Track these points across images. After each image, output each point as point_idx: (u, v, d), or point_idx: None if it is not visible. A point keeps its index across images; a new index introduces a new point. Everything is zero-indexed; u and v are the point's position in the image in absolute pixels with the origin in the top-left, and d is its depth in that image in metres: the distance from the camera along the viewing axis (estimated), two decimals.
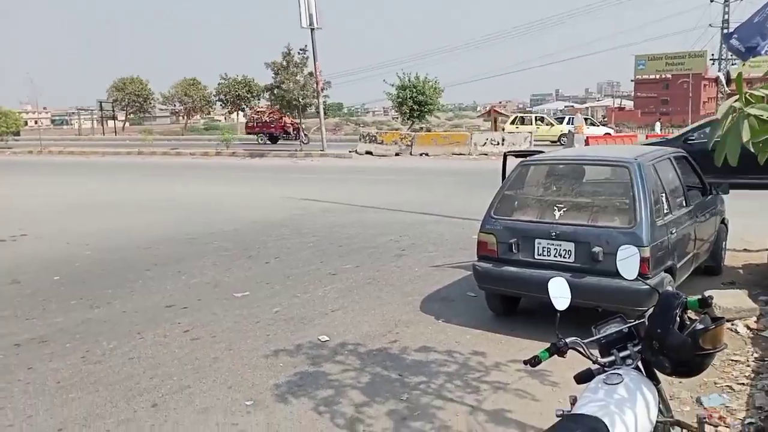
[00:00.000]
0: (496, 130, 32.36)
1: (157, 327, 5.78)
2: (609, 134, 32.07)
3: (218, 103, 55.22)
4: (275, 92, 29.84)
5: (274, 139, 35.71)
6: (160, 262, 8.36)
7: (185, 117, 61.02)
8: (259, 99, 48.95)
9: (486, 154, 24.60)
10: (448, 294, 6.52)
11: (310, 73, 28.92)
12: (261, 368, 4.76)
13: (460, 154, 25.65)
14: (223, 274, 7.62)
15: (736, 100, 2.27)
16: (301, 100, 29.22)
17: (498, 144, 25.35)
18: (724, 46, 45.64)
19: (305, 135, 33.97)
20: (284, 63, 29.08)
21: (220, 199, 14.46)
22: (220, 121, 69.31)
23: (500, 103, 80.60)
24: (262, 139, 35.72)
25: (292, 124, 35.20)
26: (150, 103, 63.36)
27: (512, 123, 34.54)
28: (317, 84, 28.22)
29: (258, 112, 39.24)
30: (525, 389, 4.25)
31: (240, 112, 54.20)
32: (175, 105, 60.09)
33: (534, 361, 2.42)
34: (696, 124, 16.07)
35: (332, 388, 4.36)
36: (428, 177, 17.88)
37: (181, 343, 5.35)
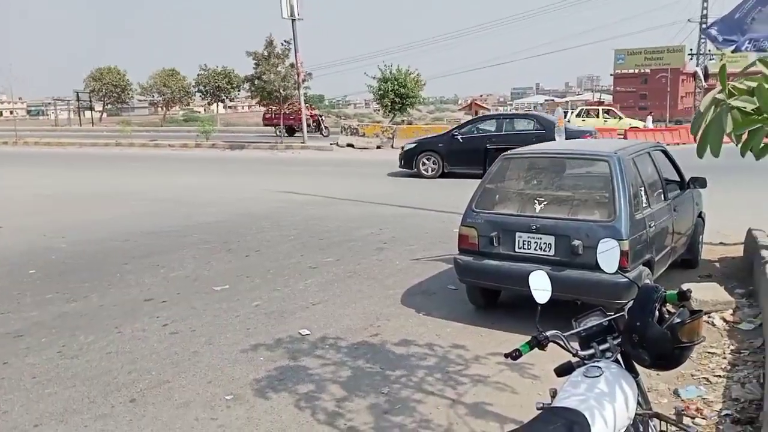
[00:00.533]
0: None
1: (135, 321, 5.71)
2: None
3: (198, 94, 54.58)
4: (255, 83, 29.50)
5: (291, 131, 34.13)
6: (139, 254, 8.26)
7: (164, 108, 60.24)
8: (239, 90, 48.41)
9: None
10: (429, 287, 6.52)
11: (292, 65, 28.68)
12: (241, 362, 4.73)
13: None
14: (202, 268, 7.54)
15: (719, 92, 2.27)
16: (282, 91, 28.98)
17: None
18: (702, 39, 46.16)
19: (326, 127, 33.15)
20: (266, 53, 28.78)
21: (200, 192, 14.31)
22: (199, 112, 68.47)
23: (481, 96, 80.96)
24: (280, 132, 34.32)
25: (312, 116, 34.40)
26: (128, 94, 62.46)
27: (578, 116, 33.88)
28: (298, 75, 28.02)
29: (277, 103, 38.37)
30: (505, 382, 4.27)
31: (220, 103, 53.61)
32: (153, 96, 59.29)
33: (515, 354, 2.43)
34: (464, 122, 17.57)
35: (313, 382, 4.34)
36: None
37: (159, 337, 5.29)
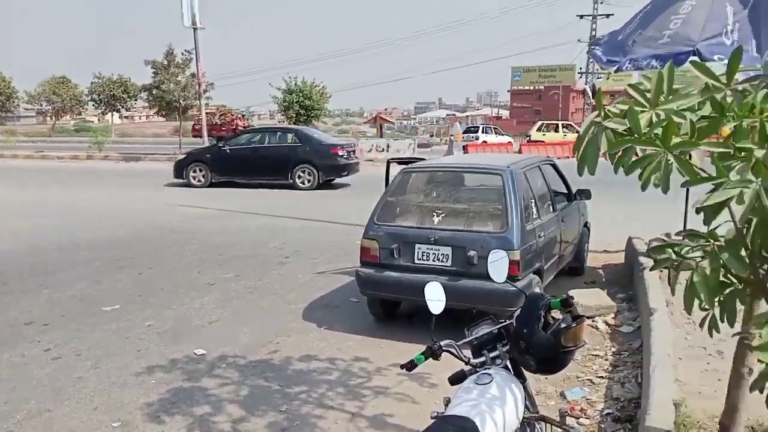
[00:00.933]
0: (381, 136, 32.86)
1: (13, 346, 5.28)
2: (510, 143, 33.83)
3: (91, 103, 51.72)
4: (154, 93, 28.38)
5: None
6: (20, 275, 7.66)
7: (53, 117, 56.57)
8: (136, 99, 46.43)
9: (372, 161, 24.90)
10: (332, 301, 6.50)
11: (193, 74, 27.90)
12: (131, 386, 4.49)
13: None
14: (91, 287, 7.11)
15: (596, 115, 2.43)
16: (182, 101, 28.08)
17: (383, 150, 25.78)
18: (591, 59, 49.37)
19: None
20: (165, 62, 27.79)
21: (91, 206, 13.49)
22: (92, 122, 64.82)
23: (386, 109, 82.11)
24: (211, 143, 32.77)
25: (245, 127, 33.23)
26: (13, 102, 58.00)
27: (539, 130, 34.80)
28: (199, 86, 27.28)
29: (207, 113, 36.42)
30: (405, 392, 4.32)
31: (115, 113, 51.12)
32: (42, 104, 55.57)
33: (410, 366, 2.48)
34: (233, 135, 19.31)
35: (209, 403, 4.20)
36: None
37: (41, 363, 4.92)
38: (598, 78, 51.96)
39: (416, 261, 5.32)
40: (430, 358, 2.46)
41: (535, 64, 63.18)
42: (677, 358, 4.31)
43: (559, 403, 4.06)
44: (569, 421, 3.67)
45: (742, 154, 2.10)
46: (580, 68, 57.11)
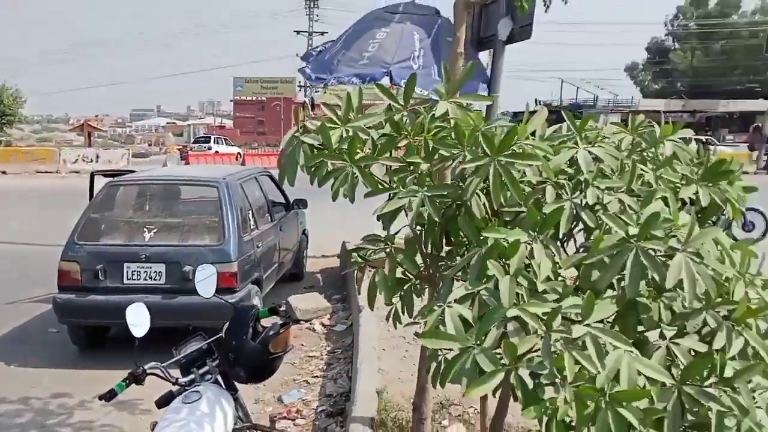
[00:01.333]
0: (90, 145, 29.92)
1: None
2: (239, 153, 33.58)
3: None
4: None
5: None
6: None
7: None
8: None
9: (78, 172, 22.51)
10: (25, 333, 5.70)
11: None
12: None
13: (47, 171, 22.97)
14: None
15: (296, 131, 2.57)
16: None
17: (92, 161, 23.54)
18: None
19: None
20: None
21: None
22: None
23: (96, 116, 74.72)
24: None
25: None
26: None
27: None
28: None
29: None
30: (114, 423, 4.03)
31: None
32: None
33: (109, 395, 2.35)
34: None
35: None
36: (5, 199, 15.40)
37: None
38: (316, 92, 54.80)
39: (126, 281, 4.97)
40: (134, 384, 2.35)
41: (260, 75, 64.19)
42: (381, 349, 4.76)
43: (277, 408, 4.17)
44: (282, 424, 3.82)
45: (412, 167, 2.42)
46: (300, 81, 59.60)
